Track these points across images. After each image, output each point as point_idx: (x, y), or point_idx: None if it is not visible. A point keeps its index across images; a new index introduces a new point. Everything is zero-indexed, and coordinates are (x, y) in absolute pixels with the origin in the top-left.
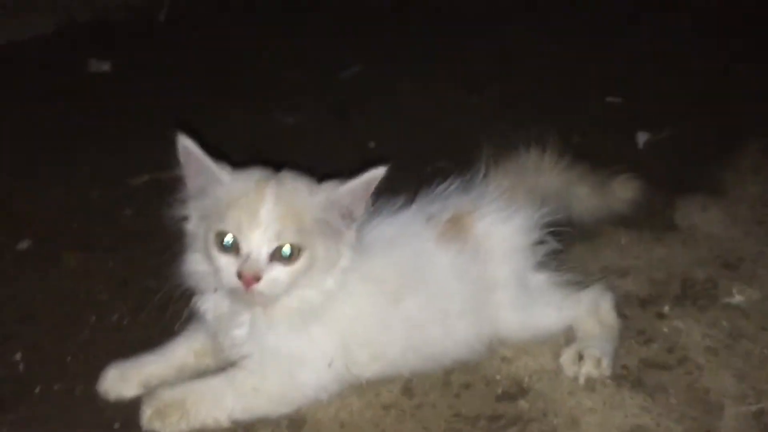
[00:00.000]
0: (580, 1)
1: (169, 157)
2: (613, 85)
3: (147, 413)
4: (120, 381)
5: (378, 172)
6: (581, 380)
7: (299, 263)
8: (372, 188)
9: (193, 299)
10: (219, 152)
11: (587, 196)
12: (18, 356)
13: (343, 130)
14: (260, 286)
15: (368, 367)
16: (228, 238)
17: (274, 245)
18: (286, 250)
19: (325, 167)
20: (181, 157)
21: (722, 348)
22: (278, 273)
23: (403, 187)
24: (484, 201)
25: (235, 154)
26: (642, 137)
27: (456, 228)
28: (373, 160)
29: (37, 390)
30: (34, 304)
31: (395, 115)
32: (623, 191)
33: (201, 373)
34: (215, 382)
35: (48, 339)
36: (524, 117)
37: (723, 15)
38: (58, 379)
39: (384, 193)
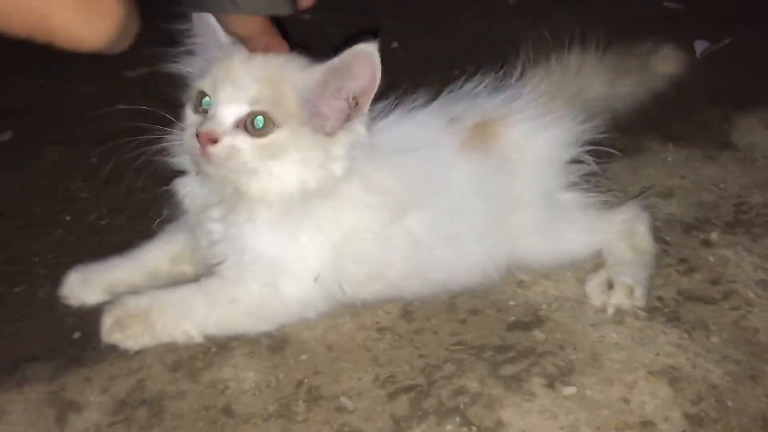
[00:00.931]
0: None
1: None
2: None
3: (107, 323)
4: (82, 285)
5: (366, 48)
6: (609, 311)
7: (268, 138)
8: (363, 71)
9: (173, 182)
10: None
11: (630, 90)
12: None
13: (365, 28)
14: (216, 149)
15: (365, 288)
16: (207, 99)
17: (245, 110)
18: (259, 120)
19: None
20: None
21: None
22: (240, 141)
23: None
24: (518, 106)
25: None
26: (700, 46)
27: (482, 135)
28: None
29: None
30: (7, 200)
31: (424, 14)
32: (664, 65)
33: (176, 282)
34: (186, 291)
35: (17, 237)
36: (570, 20)
37: None
38: (21, 280)
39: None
